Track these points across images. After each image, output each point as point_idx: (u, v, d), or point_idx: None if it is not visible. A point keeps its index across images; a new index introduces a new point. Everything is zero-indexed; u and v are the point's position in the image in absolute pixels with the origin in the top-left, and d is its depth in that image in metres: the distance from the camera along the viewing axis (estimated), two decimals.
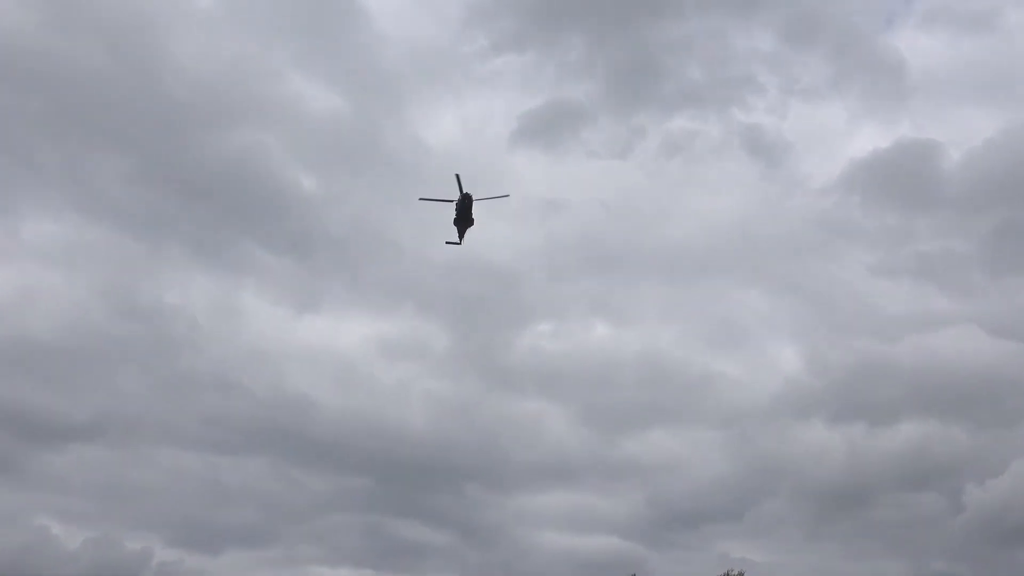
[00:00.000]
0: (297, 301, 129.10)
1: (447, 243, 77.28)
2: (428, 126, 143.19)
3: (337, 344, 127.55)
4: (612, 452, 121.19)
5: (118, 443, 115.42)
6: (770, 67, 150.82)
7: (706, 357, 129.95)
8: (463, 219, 76.58)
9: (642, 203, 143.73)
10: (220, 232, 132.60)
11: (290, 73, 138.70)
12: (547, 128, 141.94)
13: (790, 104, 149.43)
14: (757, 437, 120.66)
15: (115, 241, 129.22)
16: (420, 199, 74.69)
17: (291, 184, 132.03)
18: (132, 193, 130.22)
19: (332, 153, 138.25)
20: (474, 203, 75.67)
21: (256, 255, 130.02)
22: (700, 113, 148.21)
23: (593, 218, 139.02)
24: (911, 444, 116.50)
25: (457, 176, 73.18)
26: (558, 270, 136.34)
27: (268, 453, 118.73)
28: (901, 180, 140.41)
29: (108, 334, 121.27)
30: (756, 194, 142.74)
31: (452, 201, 75.43)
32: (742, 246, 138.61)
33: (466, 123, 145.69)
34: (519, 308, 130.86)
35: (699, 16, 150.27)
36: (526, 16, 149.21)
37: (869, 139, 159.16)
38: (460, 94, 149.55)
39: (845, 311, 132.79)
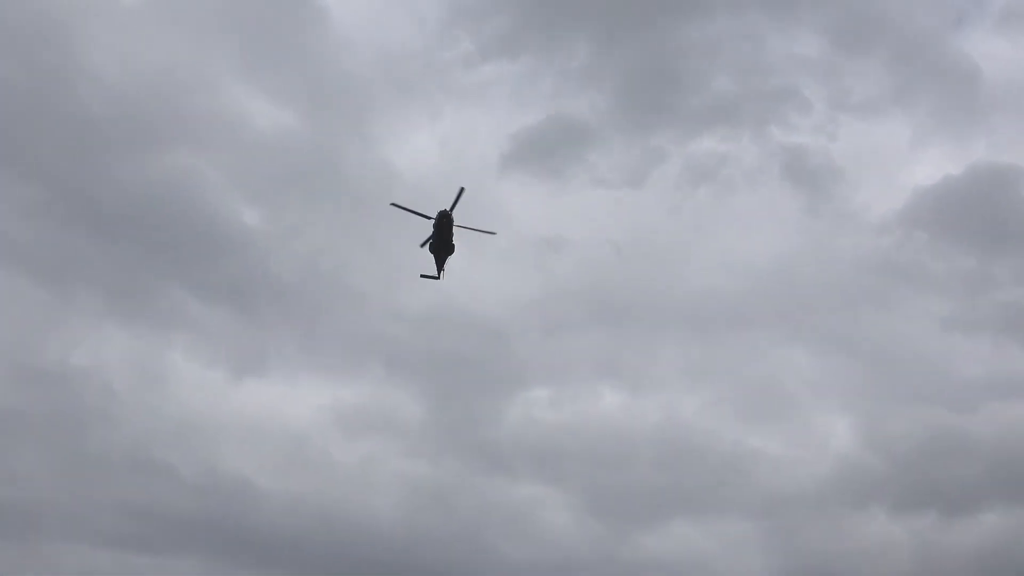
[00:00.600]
0: (237, 362, 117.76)
1: (422, 276, 70.48)
2: (399, 148, 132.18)
3: (286, 415, 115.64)
4: (625, 548, 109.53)
5: (14, 539, 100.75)
6: (817, 76, 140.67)
7: (740, 431, 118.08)
8: (440, 244, 69.24)
9: (661, 242, 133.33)
10: (142, 277, 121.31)
11: (230, 84, 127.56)
12: (545, 150, 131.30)
13: (841, 121, 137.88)
14: (803, 529, 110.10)
15: (11, 288, 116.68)
16: (392, 204, 67.25)
17: (231, 218, 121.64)
18: (34, 229, 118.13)
19: (281, 180, 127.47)
20: (454, 228, 68.86)
21: (187, 305, 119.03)
22: (731, 132, 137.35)
23: (601, 260, 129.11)
24: (993, 537, 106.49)
25: (461, 190, 65.83)
26: (558, 323, 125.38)
27: (200, 551, 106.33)
28: (977, 213, 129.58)
29: (1, 403, 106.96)
30: (800, 231, 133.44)
31: (430, 218, 68.34)
32: (783, 294, 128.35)
33: (446, 144, 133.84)
34: (510, 370, 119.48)
35: (730, 15, 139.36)
36: (520, 15, 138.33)
37: (937, 164, 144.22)
38: (439, 109, 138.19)
39: (911, 374, 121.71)
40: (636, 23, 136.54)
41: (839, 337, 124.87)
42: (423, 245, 70.20)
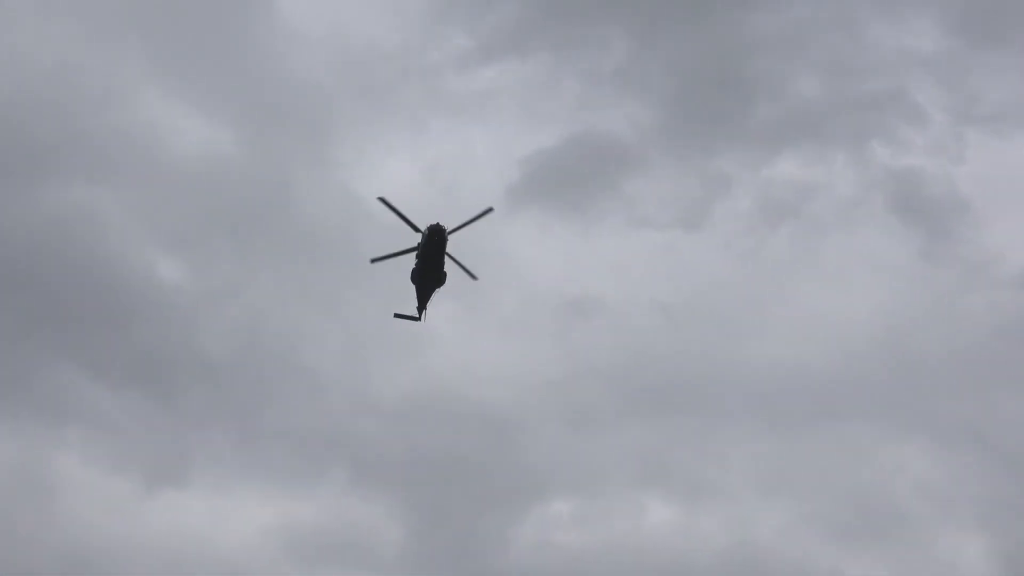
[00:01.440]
0: (151, 466, 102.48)
1: (397, 316, 68.62)
2: (369, 178, 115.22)
3: (217, 538, 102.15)
4: None
5: None
6: (934, 78, 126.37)
7: (835, 555, 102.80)
8: (427, 270, 65.45)
9: (725, 302, 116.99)
10: (23, 351, 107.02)
11: (144, 93, 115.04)
12: (567, 179, 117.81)
13: (967, 138, 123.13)
14: None
15: None
16: (373, 260, 66.10)
17: (143, 272, 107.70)
18: None
19: (211, 222, 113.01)
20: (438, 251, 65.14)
21: (83, 390, 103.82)
22: (819, 153, 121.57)
23: (644, 327, 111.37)
24: None
25: (487, 211, 63.47)
26: (586, 412, 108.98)
27: None
28: None
29: None
30: (913, 284, 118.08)
31: (419, 230, 64.24)
32: (892, 372, 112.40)
33: (433, 172, 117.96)
34: (522, 476, 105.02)
35: None
36: (533, 3, 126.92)
37: None
38: (423, 125, 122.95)
39: None
40: (688, 9, 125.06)
41: (969, 429, 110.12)
42: (413, 278, 66.60)
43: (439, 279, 66.72)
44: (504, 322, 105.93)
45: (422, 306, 68.46)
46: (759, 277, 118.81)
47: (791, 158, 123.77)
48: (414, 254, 65.58)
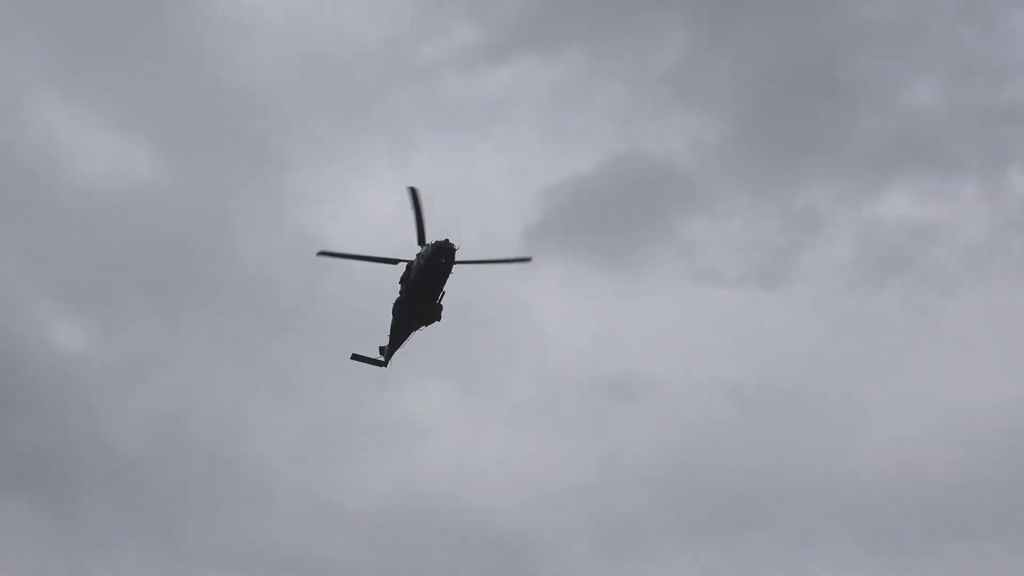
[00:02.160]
0: None
1: (354, 359, 63.30)
2: (335, 212, 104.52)
3: None
4: None
5: None
6: None
7: None
8: (419, 299, 59.17)
9: (813, 382, 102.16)
10: None
11: (38, 102, 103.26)
12: (604, 217, 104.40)
13: None
14: None
15: None
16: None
17: (33, 337, 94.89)
18: None
19: (123, 270, 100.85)
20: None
21: None
22: (938, 184, 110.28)
23: (704, 414, 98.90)
24: None
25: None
26: (628, 529, 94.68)
27: None
28: None
29: None
30: None
31: (407, 261, 58.98)
32: None
33: (425, 206, 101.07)
34: None
35: None
36: None
37: None
38: (411, 144, 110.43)
39: None
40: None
41: None
42: (398, 308, 62.28)
43: (430, 314, 60.23)
44: (517, 408, 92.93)
45: (393, 349, 62.86)
46: (860, 349, 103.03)
47: (902, 190, 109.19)
48: (408, 266, 59.14)
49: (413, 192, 57.00)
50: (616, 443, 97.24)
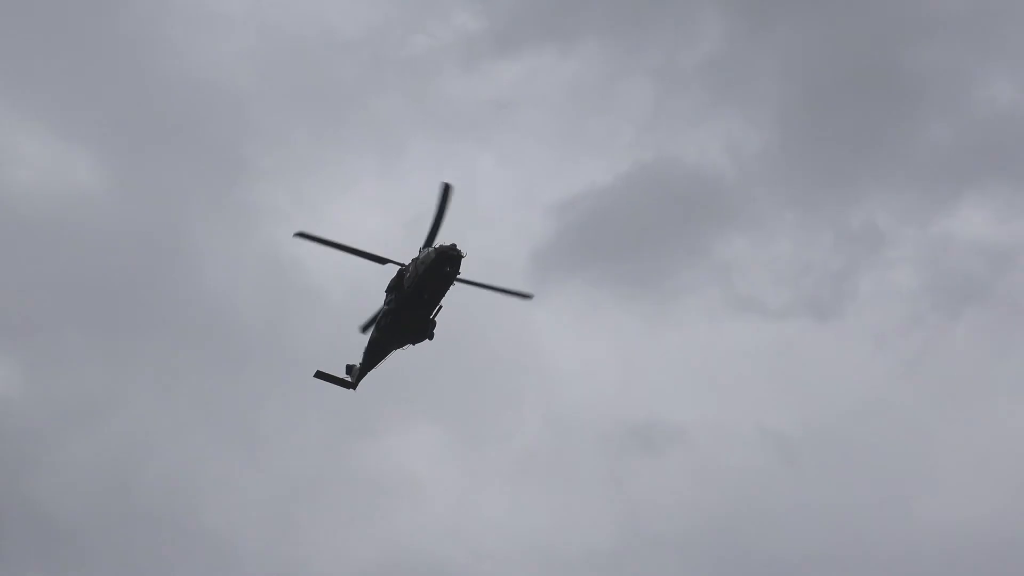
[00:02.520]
0: None
1: (318, 376, 58.65)
2: (311, 229, 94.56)
3: None
4: None
5: None
6: None
7: None
8: (411, 312, 54.66)
9: (871, 430, 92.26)
10: None
11: None
12: (627, 237, 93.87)
13: None
14: None
15: None
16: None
17: None
18: None
19: (57, 299, 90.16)
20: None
21: None
22: (1020, 196, 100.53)
23: (743, 467, 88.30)
24: None
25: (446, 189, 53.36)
26: None
27: None
28: None
29: None
30: None
31: (401, 265, 54.73)
32: None
33: (416, 223, 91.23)
34: None
35: None
36: None
37: None
38: (401, 151, 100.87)
39: None
40: None
41: None
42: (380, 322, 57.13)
43: (420, 331, 55.44)
44: (522, 459, 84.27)
45: (366, 370, 58.19)
46: (927, 392, 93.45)
47: (977, 205, 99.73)
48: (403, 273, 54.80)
49: (446, 189, 52.71)
50: (638, 501, 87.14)
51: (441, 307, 54.39)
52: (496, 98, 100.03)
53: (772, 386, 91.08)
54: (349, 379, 58.76)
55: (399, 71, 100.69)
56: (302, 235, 53.33)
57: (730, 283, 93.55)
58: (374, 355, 57.50)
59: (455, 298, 55.14)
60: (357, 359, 59.17)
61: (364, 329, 56.78)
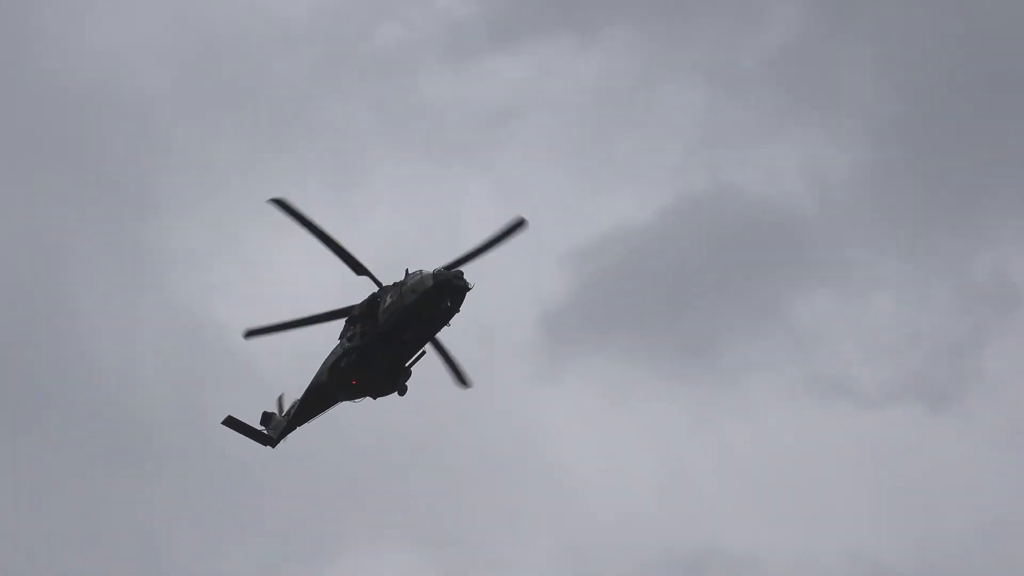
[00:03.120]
0: None
1: (228, 424, 49.24)
2: (238, 288, 76.46)
3: None
4: None
5: None
6: None
7: None
8: (393, 343, 46.31)
9: (1013, 563, 70.48)
10: None
11: None
12: (664, 294, 73.82)
13: None
14: None
15: None
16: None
17: None
18: None
19: None
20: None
21: None
22: None
23: None
24: None
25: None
26: None
27: None
28: None
29: None
30: None
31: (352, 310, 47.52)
32: None
33: (385, 275, 57.45)
34: None
35: None
36: None
37: None
38: (358, 179, 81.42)
39: None
40: None
41: None
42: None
43: (390, 379, 45.69)
44: None
45: (298, 423, 47.61)
46: None
47: None
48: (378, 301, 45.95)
49: (517, 225, 44.10)
50: None
51: (424, 354, 45.08)
52: (494, 105, 78.82)
53: (869, 499, 69.25)
54: (265, 431, 47.86)
55: (363, 70, 79.01)
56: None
57: (811, 357, 72.86)
58: (314, 404, 47.26)
59: (432, 368, 45.24)
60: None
61: (249, 335, 46.03)
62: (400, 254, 69.83)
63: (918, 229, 76.08)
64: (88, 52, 78.48)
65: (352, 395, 47.19)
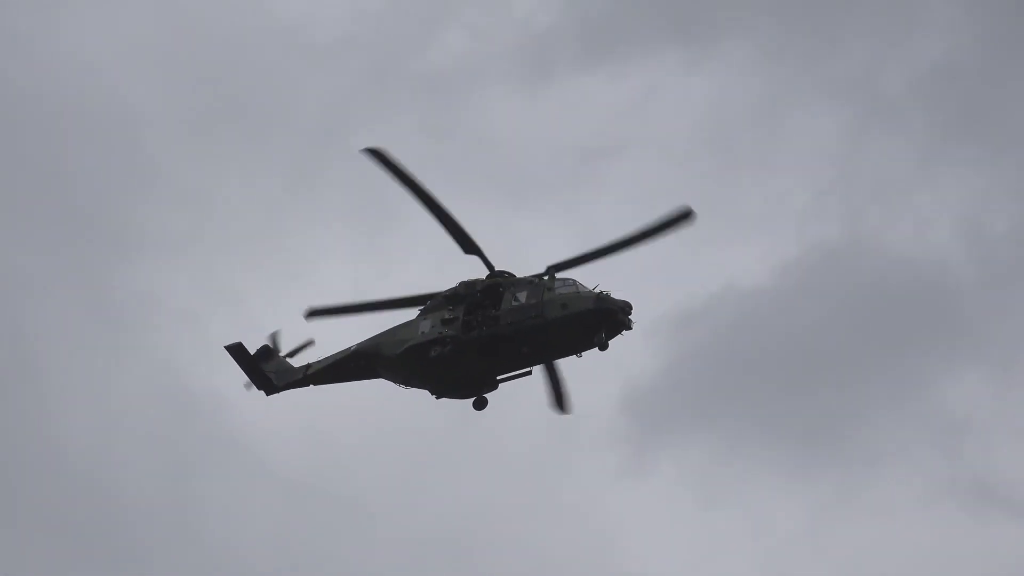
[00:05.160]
0: None
1: (230, 349, 45.42)
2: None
3: None
4: None
5: None
6: None
7: None
8: (494, 354, 41.47)
9: None
10: None
11: None
12: (783, 374, 65.49)
13: None
14: None
15: None
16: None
17: None
18: None
19: None
20: None
21: None
22: None
23: None
24: None
25: None
26: None
27: None
28: None
29: None
30: None
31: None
32: None
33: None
34: None
35: None
36: None
37: None
38: (386, 224, 73.82)
39: None
40: None
41: None
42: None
43: (467, 387, 41.43)
44: None
45: (313, 382, 43.90)
46: None
47: None
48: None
49: (685, 215, 40.48)
50: None
51: (529, 374, 41.30)
52: (579, 138, 69.32)
53: None
54: (267, 373, 43.25)
55: (413, 89, 69.81)
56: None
57: (960, 452, 61.19)
58: (353, 371, 42.92)
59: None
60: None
61: (311, 315, 43.06)
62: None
63: None
64: (62, 56, 68.04)
65: (413, 383, 42.32)
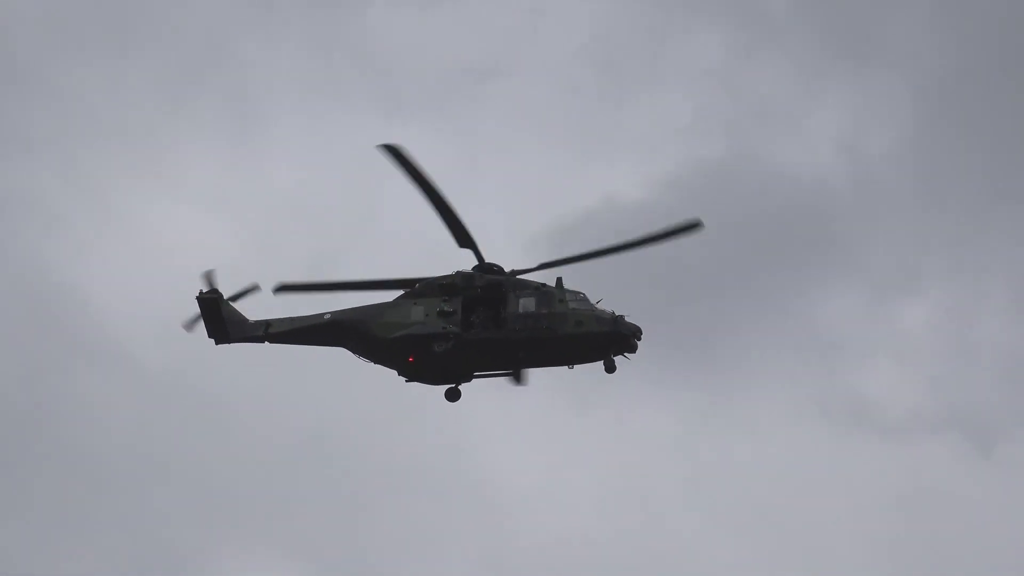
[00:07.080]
0: None
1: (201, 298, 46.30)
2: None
3: None
4: None
5: None
6: None
7: None
8: (487, 352, 42.69)
9: None
10: None
11: None
12: (653, 288, 64.99)
13: None
14: None
15: None
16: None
17: None
18: None
19: None
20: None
21: None
22: None
23: None
24: None
25: None
26: None
27: None
28: None
29: None
30: None
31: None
32: None
33: (264, 244, 78.88)
34: None
35: None
36: None
37: None
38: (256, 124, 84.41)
39: None
40: None
41: None
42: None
43: (445, 378, 42.89)
44: None
45: (274, 340, 44.70)
46: None
47: None
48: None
49: (693, 225, 42.69)
50: None
51: (512, 376, 42.36)
52: (460, 56, 70.14)
53: (884, 549, 60.07)
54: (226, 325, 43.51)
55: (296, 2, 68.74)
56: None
57: (831, 371, 62.90)
58: (322, 336, 42.96)
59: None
60: None
61: (279, 290, 43.41)
62: (305, 224, 62.15)
63: (975, 217, 65.41)
64: None
65: (391, 365, 42.50)
